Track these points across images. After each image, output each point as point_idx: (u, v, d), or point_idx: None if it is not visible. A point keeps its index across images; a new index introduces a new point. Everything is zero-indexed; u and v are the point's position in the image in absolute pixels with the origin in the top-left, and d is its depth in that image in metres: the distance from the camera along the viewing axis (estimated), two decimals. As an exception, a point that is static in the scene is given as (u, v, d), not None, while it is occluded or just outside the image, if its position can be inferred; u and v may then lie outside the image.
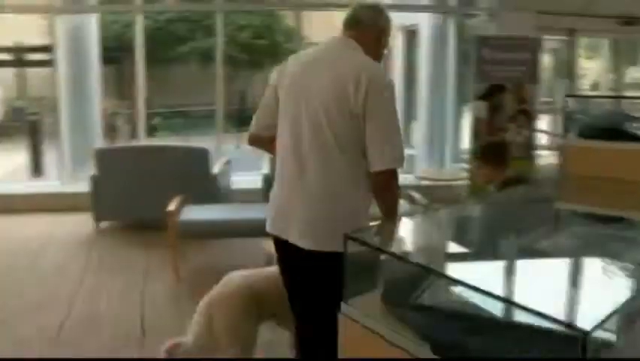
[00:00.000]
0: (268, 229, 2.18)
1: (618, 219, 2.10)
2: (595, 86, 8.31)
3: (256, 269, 2.78)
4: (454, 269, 1.50)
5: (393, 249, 1.54)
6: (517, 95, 6.52)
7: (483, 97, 6.50)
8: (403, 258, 1.44)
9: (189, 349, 2.60)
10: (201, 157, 5.25)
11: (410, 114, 8.17)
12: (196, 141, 11.29)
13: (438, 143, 7.55)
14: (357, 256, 1.43)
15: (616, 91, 7.63)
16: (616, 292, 1.31)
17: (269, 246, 3.45)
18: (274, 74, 2.15)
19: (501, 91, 6.50)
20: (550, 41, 7.47)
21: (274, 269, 2.51)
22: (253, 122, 2.24)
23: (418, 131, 7.84)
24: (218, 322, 2.54)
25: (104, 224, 5.52)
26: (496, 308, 1.20)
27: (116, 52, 11.27)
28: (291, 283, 2.22)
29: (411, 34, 8.36)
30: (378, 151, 1.89)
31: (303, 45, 6.98)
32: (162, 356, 2.62)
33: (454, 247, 1.68)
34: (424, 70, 7.59)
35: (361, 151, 1.93)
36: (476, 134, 6.57)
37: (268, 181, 5.19)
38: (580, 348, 0.92)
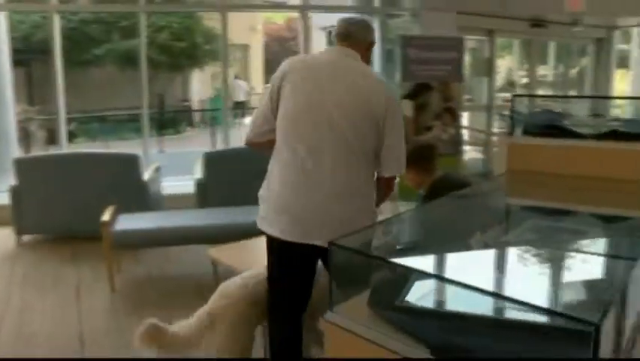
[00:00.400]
0: (279, 235, 2.18)
1: (565, 212, 2.20)
2: (510, 83, 8.75)
3: (247, 274, 2.70)
4: (432, 268, 1.51)
5: (377, 252, 1.52)
6: (442, 93, 6.75)
7: (409, 96, 6.67)
8: (393, 263, 1.41)
9: (175, 339, 2.53)
10: (131, 164, 5.03)
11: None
12: (116, 147, 10.84)
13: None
14: (342, 262, 1.40)
15: (529, 88, 8.08)
16: (592, 284, 1.36)
17: (215, 253, 3.39)
18: (274, 79, 2.22)
19: (427, 90, 6.70)
20: (468, 41, 7.77)
21: (263, 270, 2.53)
22: (250, 128, 2.30)
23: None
24: (221, 332, 2.50)
25: (26, 238, 5.17)
26: (487, 306, 1.21)
27: (24, 54, 10.60)
28: (295, 286, 2.31)
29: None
30: (394, 159, 2.20)
31: (224, 47, 6.81)
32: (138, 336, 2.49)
33: (424, 247, 1.68)
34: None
35: (374, 155, 2.17)
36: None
37: (202, 187, 5.04)
38: (592, 341, 0.93)
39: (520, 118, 2.84)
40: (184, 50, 13.09)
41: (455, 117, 6.91)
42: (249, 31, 16.94)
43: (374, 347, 1.29)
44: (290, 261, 2.26)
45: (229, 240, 4.24)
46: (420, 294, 1.34)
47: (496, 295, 1.23)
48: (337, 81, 2.13)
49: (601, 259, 1.65)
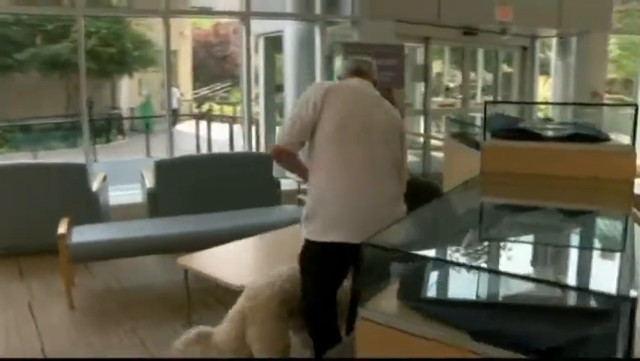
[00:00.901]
0: (320, 238, 2.36)
1: (534, 208, 2.38)
2: (446, 88, 9.13)
3: (273, 273, 2.74)
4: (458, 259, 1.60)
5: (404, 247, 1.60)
6: (385, 99, 6.94)
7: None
8: (422, 256, 1.50)
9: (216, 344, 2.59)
10: (79, 174, 4.84)
11: (273, 119, 8.22)
12: (44, 157, 10.31)
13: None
14: (372, 259, 1.46)
15: (462, 92, 8.47)
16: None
17: (185, 261, 3.34)
18: (316, 95, 2.41)
19: (370, 95, 6.88)
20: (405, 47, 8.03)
21: (287, 270, 2.69)
22: (286, 137, 2.42)
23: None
24: (253, 334, 2.54)
25: (-37, 256, 4.84)
26: (515, 291, 1.32)
27: None
28: (335, 284, 2.54)
29: (273, 41, 8.44)
30: (405, 173, 2.60)
31: (167, 53, 6.64)
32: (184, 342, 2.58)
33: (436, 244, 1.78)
34: (289, 76, 7.70)
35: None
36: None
37: (153, 196, 4.92)
38: (629, 314, 1.04)
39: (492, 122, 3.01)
40: (113, 56, 12.65)
41: (397, 121, 7.13)
42: (177, 36, 16.63)
43: (412, 338, 1.36)
44: (337, 262, 2.45)
45: (189, 249, 4.19)
46: (445, 285, 1.44)
47: (530, 279, 1.33)
48: (373, 104, 2.53)
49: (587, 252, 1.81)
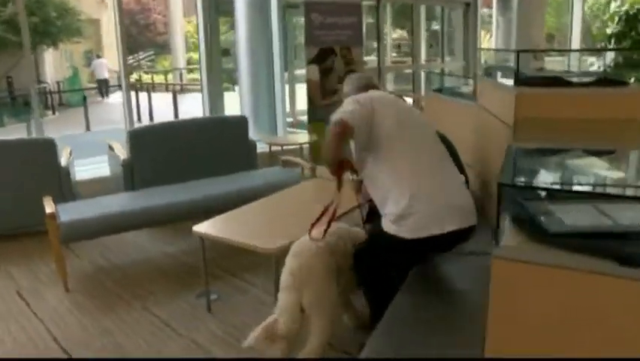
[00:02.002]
0: (419, 234, 2.28)
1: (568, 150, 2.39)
2: (396, 46, 9.10)
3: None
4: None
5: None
6: (345, 57, 6.82)
7: (315, 61, 6.63)
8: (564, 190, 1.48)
9: (284, 333, 2.41)
10: (48, 150, 4.40)
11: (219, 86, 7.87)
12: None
13: (266, 110, 7.47)
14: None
15: (413, 49, 8.48)
16: None
17: (202, 229, 3.13)
18: (365, 101, 2.41)
19: (331, 54, 6.72)
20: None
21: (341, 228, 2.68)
22: (347, 113, 2.31)
23: (244, 101, 7.64)
24: (308, 297, 2.43)
25: None
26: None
27: None
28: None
29: (216, 3, 8.00)
30: None
31: (77, 22, 6.13)
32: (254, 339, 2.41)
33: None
34: (242, 38, 7.37)
35: None
36: (310, 97, 6.71)
37: (129, 168, 4.57)
38: None
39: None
40: (36, 25, 11.56)
41: (357, 80, 7.04)
42: (98, 4, 15.52)
43: (556, 270, 1.38)
44: (422, 252, 2.49)
45: (184, 219, 3.98)
46: (577, 217, 1.45)
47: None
48: (415, 114, 2.64)
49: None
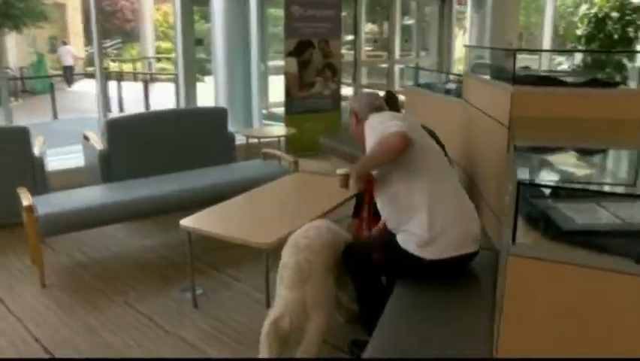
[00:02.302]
0: (440, 256, 2.28)
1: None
2: (373, 40, 9.09)
3: (306, 227, 2.61)
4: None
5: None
6: (323, 50, 6.77)
7: (293, 53, 6.57)
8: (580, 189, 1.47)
9: (287, 331, 2.34)
10: (21, 138, 4.22)
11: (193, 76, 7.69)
12: None
13: (241, 102, 7.36)
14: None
15: (389, 43, 8.47)
16: None
17: (189, 223, 3.04)
18: (399, 120, 2.38)
19: (309, 47, 6.66)
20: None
21: (319, 223, 2.64)
22: (404, 127, 2.28)
23: (219, 92, 7.50)
24: (311, 293, 2.37)
25: None
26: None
27: None
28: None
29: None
30: None
31: (40, 5, 5.91)
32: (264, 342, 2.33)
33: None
34: (218, 28, 7.21)
35: None
36: (288, 90, 6.65)
37: (106, 159, 4.41)
38: None
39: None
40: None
41: (335, 73, 7.01)
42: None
43: (572, 268, 1.39)
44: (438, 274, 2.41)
45: (165, 212, 3.88)
46: (590, 216, 1.46)
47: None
48: (424, 131, 2.52)
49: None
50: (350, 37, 8.02)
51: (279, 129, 6.49)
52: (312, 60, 6.71)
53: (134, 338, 2.86)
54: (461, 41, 10.12)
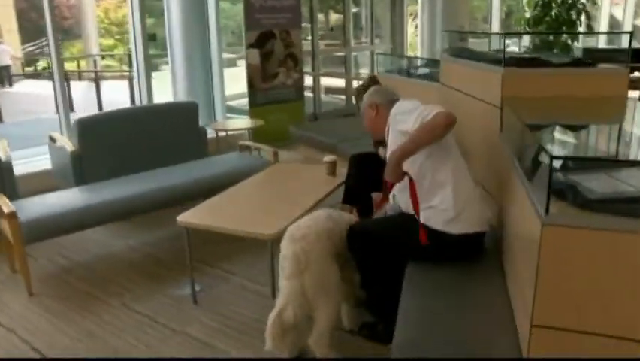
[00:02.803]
0: (468, 230, 2.38)
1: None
2: (332, 28, 9.10)
3: (308, 217, 2.64)
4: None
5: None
6: (284, 40, 6.74)
7: (255, 45, 6.50)
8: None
9: (292, 321, 2.38)
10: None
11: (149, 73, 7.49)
12: None
13: (202, 95, 7.22)
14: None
15: (345, 32, 8.52)
16: None
17: (186, 218, 3.00)
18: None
19: (271, 37, 6.61)
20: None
21: (321, 212, 2.66)
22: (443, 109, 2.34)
23: (178, 86, 7.33)
24: (310, 281, 2.39)
25: None
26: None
27: None
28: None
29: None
30: None
31: None
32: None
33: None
34: (175, 20, 7.03)
35: None
36: (251, 82, 6.58)
37: (78, 160, 4.25)
38: None
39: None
40: None
41: (297, 63, 6.99)
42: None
43: (607, 234, 1.52)
44: (467, 250, 2.48)
45: (150, 210, 3.80)
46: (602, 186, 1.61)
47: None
48: None
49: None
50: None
51: (245, 122, 6.42)
52: (274, 51, 6.67)
53: (141, 339, 2.80)
54: (412, 28, 10.30)
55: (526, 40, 6.75)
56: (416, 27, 10.15)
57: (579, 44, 6.85)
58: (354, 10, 9.14)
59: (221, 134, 5.94)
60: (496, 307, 2.11)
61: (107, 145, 4.39)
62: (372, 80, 3.50)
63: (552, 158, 1.57)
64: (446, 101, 3.55)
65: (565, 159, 1.71)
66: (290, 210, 2.99)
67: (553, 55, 3.11)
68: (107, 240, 4.09)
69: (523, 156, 2.15)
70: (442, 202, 2.37)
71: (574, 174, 1.79)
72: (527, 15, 7.50)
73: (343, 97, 8.89)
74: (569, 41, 6.81)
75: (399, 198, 2.61)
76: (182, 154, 4.62)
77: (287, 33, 6.73)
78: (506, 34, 2.83)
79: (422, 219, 2.42)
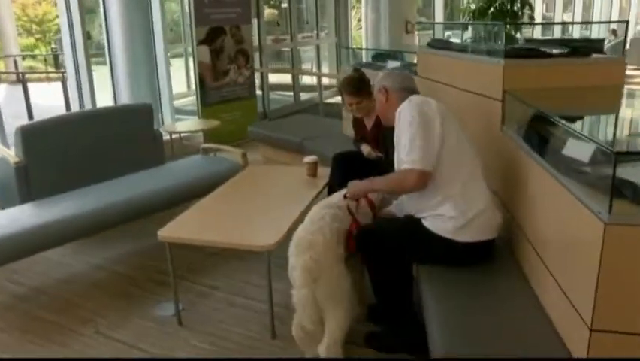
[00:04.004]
0: (474, 238, 2.29)
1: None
2: (274, 22, 8.85)
3: (311, 218, 2.48)
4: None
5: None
6: (235, 36, 6.45)
7: (205, 41, 6.17)
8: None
9: (312, 329, 2.31)
10: None
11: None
12: None
13: (148, 97, 6.78)
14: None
15: (291, 26, 8.30)
16: None
17: (167, 233, 2.72)
18: (434, 116, 2.28)
19: (221, 33, 6.30)
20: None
21: (323, 210, 2.49)
22: (425, 159, 2.22)
23: (119, 87, 6.85)
24: (322, 289, 2.27)
25: None
26: None
27: None
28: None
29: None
30: None
31: None
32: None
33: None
34: (115, 17, 6.54)
35: None
36: (201, 80, 6.25)
37: (23, 173, 3.80)
38: None
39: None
40: None
41: (248, 59, 6.71)
42: None
43: None
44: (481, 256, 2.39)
45: (113, 225, 3.46)
46: None
47: None
48: (456, 120, 2.41)
49: None
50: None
51: (197, 123, 6.09)
52: (224, 47, 6.36)
53: (128, 371, 2.51)
54: (356, 21, 10.23)
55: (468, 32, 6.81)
56: (359, 20, 10.10)
57: (521, 35, 7.01)
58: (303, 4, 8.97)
59: (174, 136, 5.60)
60: (525, 309, 2.03)
61: (55, 155, 3.92)
62: (357, 72, 3.32)
63: (617, 154, 1.46)
64: (426, 94, 3.46)
65: (630, 154, 1.61)
66: (281, 217, 2.78)
67: (542, 45, 3.04)
68: (63, 260, 3.69)
69: (549, 151, 2.06)
70: (451, 210, 2.27)
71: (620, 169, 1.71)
72: (472, 7, 7.60)
73: (291, 94, 8.70)
74: (513, 32, 6.95)
75: (407, 203, 2.47)
76: (139, 161, 4.24)
77: (237, 28, 6.44)
78: (509, 23, 2.73)
79: (427, 226, 2.33)
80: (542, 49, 2.75)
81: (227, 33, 6.34)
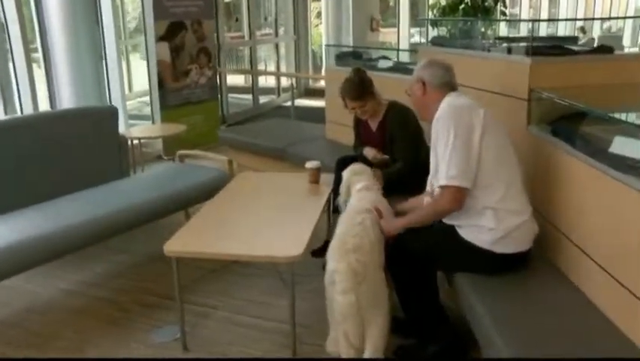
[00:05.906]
0: (512, 250, 2.36)
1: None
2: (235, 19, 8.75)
3: (348, 224, 2.48)
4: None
5: None
6: (196, 32, 6.35)
7: (165, 37, 6.03)
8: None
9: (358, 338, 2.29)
10: None
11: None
12: None
13: (95, 99, 6.53)
14: None
15: (252, 23, 8.24)
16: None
17: (174, 247, 2.64)
18: (476, 121, 2.32)
19: (182, 29, 6.19)
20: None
21: (359, 218, 2.49)
22: (465, 175, 2.29)
23: (61, 90, 6.55)
24: (367, 294, 2.27)
25: None
26: None
27: None
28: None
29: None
30: None
31: None
32: None
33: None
34: (54, 10, 6.25)
35: None
36: (161, 80, 6.11)
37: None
38: None
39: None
40: None
41: (210, 58, 6.62)
42: None
43: None
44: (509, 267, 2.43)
45: (89, 244, 3.28)
46: None
47: None
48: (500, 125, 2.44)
49: None
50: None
51: (161, 128, 5.93)
52: (185, 45, 6.25)
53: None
54: (316, 20, 10.31)
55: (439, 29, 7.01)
56: (318, 15, 10.18)
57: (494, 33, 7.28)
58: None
59: (134, 142, 5.43)
60: (577, 307, 2.14)
61: (7, 165, 3.62)
62: (358, 73, 3.33)
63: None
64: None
65: None
66: (297, 227, 2.76)
67: (563, 41, 3.18)
68: (26, 286, 3.44)
69: (599, 149, 2.15)
70: (489, 222, 2.34)
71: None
72: (442, 2, 7.83)
73: (249, 96, 8.63)
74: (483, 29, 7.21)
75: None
76: (101, 172, 4.04)
77: (198, 24, 6.34)
78: (522, 20, 2.83)
79: (463, 235, 2.40)
80: (566, 46, 2.87)
81: (189, 29, 6.23)
